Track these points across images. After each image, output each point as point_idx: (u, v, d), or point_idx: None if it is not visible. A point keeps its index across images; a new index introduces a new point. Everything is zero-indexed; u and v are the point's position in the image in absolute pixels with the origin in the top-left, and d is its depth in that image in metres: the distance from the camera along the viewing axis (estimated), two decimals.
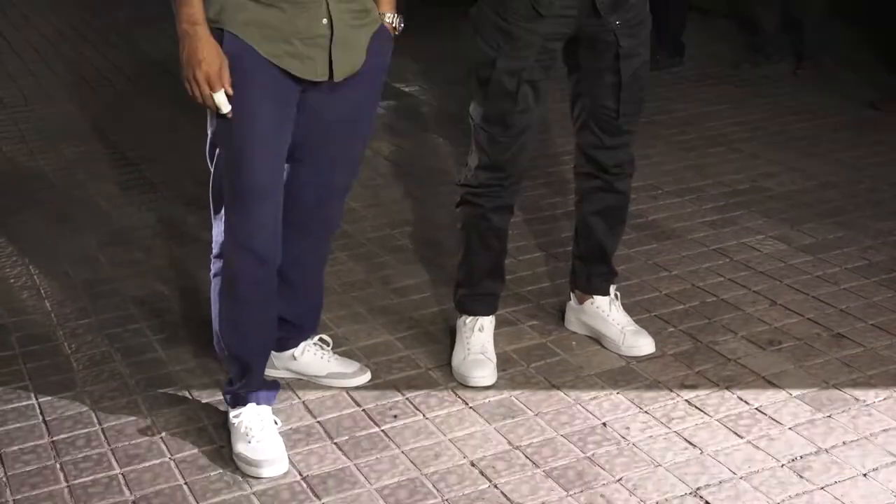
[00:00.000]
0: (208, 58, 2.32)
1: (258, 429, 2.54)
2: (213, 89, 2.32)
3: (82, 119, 5.46)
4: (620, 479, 2.41)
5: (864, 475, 2.39)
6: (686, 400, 2.73)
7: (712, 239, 3.77)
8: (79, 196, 4.41)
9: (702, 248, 3.69)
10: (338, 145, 2.60)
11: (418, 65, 5.98)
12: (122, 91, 5.95)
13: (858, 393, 2.73)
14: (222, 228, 2.49)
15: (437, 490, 2.39)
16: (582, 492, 2.37)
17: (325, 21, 2.41)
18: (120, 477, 2.47)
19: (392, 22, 2.60)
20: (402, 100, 5.57)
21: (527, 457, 2.51)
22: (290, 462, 2.50)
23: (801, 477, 2.39)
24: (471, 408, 2.73)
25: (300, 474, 2.47)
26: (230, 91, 2.34)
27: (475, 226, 2.90)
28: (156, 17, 6.53)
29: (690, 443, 2.54)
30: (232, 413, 2.60)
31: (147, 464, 2.52)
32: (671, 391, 2.77)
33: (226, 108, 2.35)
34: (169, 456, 2.55)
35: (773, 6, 6.12)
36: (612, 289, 3.08)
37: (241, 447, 2.52)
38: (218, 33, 2.35)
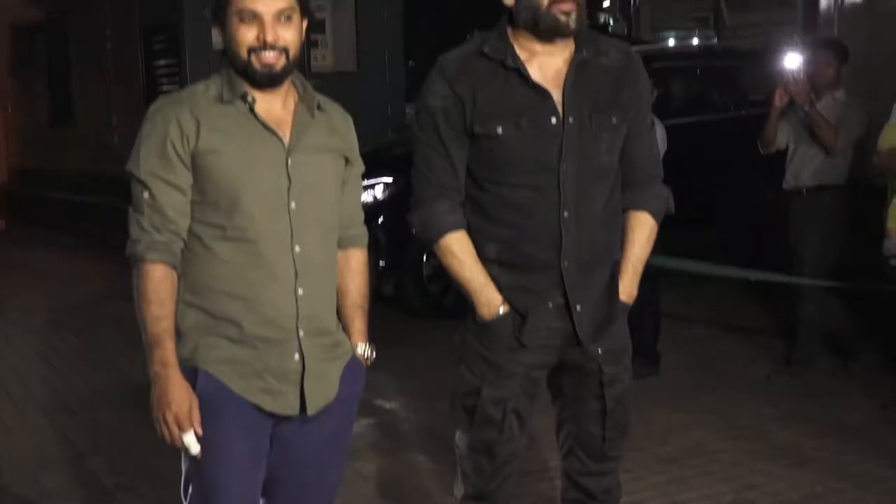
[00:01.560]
0: (178, 399, 2.36)
1: None
2: (182, 430, 2.35)
3: (60, 446, 5.39)
4: None
5: None
6: None
7: None
8: None
9: None
10: (311, 477, 2.59)
11: (394, 378, 6.01)
12: (101, 416, 5.91)
13: None
14: None
15: None
16: None
17: (296, 357, 2.48)
18: None
19: (364, 353, 2.67)
20: (381, 416, 5.56)
21: None
22: None
23: None
24: None
25: None
26: (199, 432, 2.36)
27: None
28: (139, 337, 6.58)
29: None
30: None
31: None
32: None
33: (195, 448, 2.36)
34: None
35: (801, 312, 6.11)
36: None
37: None
38: (191, 372, 2.40)
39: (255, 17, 2.42)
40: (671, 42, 19.62)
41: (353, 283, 2.71)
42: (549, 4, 2.59)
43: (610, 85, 2.72)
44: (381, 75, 10.56)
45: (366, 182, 7.50)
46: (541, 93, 2.64)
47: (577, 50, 2.69)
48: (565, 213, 2.65)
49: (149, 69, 10.16)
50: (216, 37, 2.52)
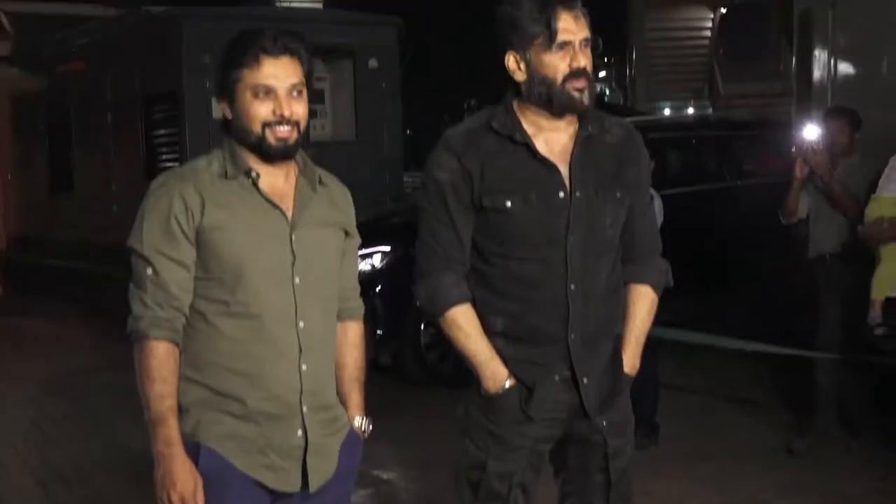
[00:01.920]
0: (183, 479, 2.35)
1: None
2: None
3: None
4: None
5: None
6: None
7: None
8: None
9: None
10: None
11: (392, 448, 5.96)
12: (98, 487, 5.85)
13: None
14: None
15: None
16: None
17: (300, 433, 2.47)
18: None
19: (361, 426, 2.66)
20: (379, 486, 5.50)
21: None
22: None
23: None
24: None
25: None
26: None
27: None
28: (137, 405, 6.54)
29: None
30: None
31: None
32: None
33: None
34: None
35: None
36: None
37: None
38: (193, 447, 2.39)
39: (269, 92, 2.45)
40: (667, 112, 19.84)
41: (351, 355, 2.71)
42: (564, 81, 2.62)
43: (614, 161, 2.75)
44: (379, 145, 10.64)
45: (363, 251, 7.62)
46: (549, 167, 2.67)
47: (582, 126, 2.72)
48: (572, 286, 2.67)
49: (149, 139, 10.23)
50: (216, 107, 2.55)
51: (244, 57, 2.47)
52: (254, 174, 2.49)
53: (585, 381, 2.70)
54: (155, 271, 2.43)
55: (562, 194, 2.66)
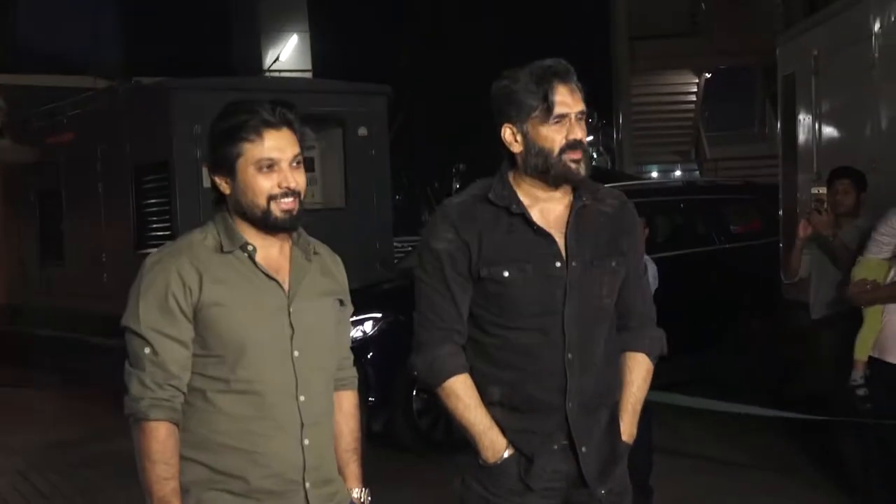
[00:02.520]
0: None
1: None
2: None
3: None
4: None
5: None
6: None
7: None
8: None
9: None
10: None
11: None
12: None
13: None
14: None
15: None
16: None
17: None
18: None
19: (360, 497, 2.65)
20: None
21: None
22: None
23: None
24: None
25: None
26: None
27: None
28: (127, 477, 6.47)
29: None
30: None
31: None
32: None
33: None
34: None
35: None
36: None
37: None
38: None
39: (272, 165, 2.44)
40: (654, 175, 19.99)
41: (348, 426, 2.69)
42: (560, 153, 2.66)
43: (609, 231, 2.78)
44: (368, 211, 10.67)
45: (355, 318, 7.58)
46: (545, 237, 2.70)
47: (577, 196, 2.75)
48: (569, 355, 2.68)
49: (139, 208, 10.24)
50: (206, 176, 2.55)
51: (245, 131, 2.45)
52: (250, 248, 2.47)
53: (584, 449, 2.69)
54: (153, 350, 2.39)
55: (558, 264, 2.69)
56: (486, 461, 2.70)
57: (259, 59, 21.75)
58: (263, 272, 2.48)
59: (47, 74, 15.74)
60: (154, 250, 2.54)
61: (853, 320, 5.53)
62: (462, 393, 2.70)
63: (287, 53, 21.68)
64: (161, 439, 2.36)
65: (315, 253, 2.60)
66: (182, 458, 2.40)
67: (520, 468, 2.68)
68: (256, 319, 2.44)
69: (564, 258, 2.69)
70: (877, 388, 5.09)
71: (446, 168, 31.82)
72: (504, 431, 2.70)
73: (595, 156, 37.34)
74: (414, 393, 7.44)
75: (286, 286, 2.50)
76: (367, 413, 7.34)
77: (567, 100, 2.66)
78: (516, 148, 2.71)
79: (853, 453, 5.81)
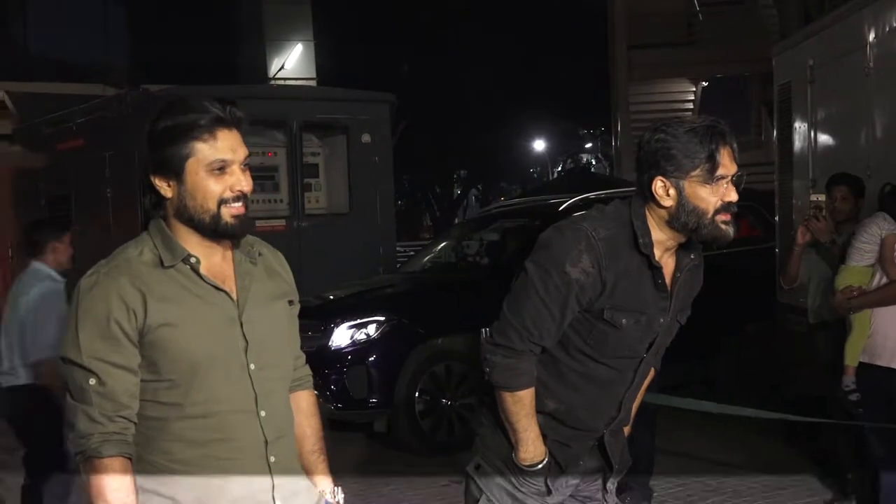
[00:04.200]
0: None
1: None
2: None
3: None
4: None
5: None
6: None
7: None
8: None
9: None
10: None
11: None
12: None
13: None
14: None
15: None
16: None
17: None
18: None
19: (334, 495, 2.51)
20: None
21: None
22: None
23: None
24: None
25: None
26: None
27: None
28: None
29: None
30: None
31: None
32: None
33: None
34: None
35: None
36: None
37: None
38: None
39: (224, 168, 2.25)
40: None
41: (310, 426, 2.53)
42: (714, 213, 2.61)
43: (691, 287, 2.85)
44: (372, 216, 10.66)
45: (358, 320, 7.61)
46: (664, 293, 2.72)
47: (685, 253, 2.76)
48: (627, 393, 2.83)
49: (148, 215, 10.23)
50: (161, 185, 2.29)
51: (197, 130, 2.23)
52: (193, 260, 2.27)
53: (616, 464, 2.90)
54: (99, 381, 2.16)
55: (662, 320, 2.76)
56: (522, 461, 2.75)
57: (264, 67, 21.74)
58: (210, 283, 2.27)
59: (57, 82, 15.74)
60: (88, 271, 2.29)
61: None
62: (528, 402, 2.73)
63: (292, 62, 21.67)
64: (117, 477, 2.15)
65: (259, 254, 2.41)
66: (143, 490, 2.20)
67: (552, 474, 2.78)
68: (207, 336, 2.23)
69: (668, 315, 2.77)
70: (868, 391, 5.08)
71: (447, 174, 31.83)
72: (545, 437, 2.77)
73: (594, 163, 37.34)
74: (416, 395, 7.43)
75: (234, 295, 2.30)
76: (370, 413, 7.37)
77: (728, 162, 2.61)
78: (667, 202, 2.63)
79: (846, 456, 5.80)
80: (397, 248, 11.48)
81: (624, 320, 2.66)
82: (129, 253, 2.29)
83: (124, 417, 2.19)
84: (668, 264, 2.72)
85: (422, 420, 7.45)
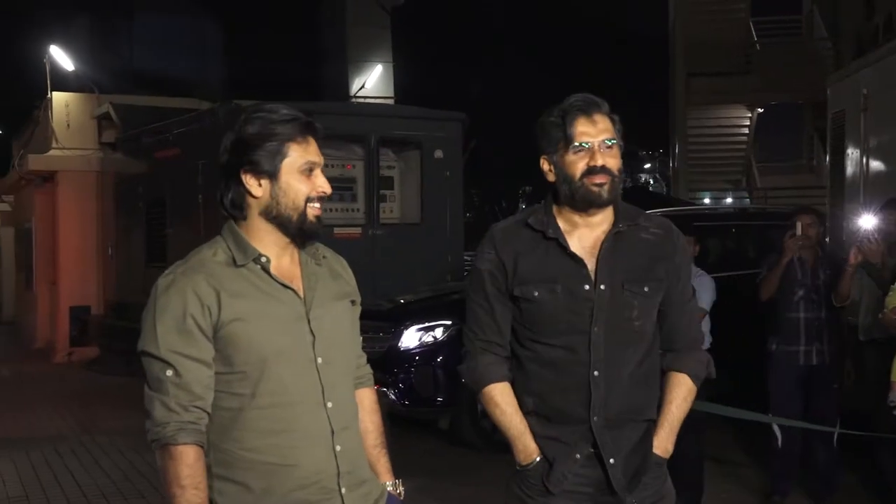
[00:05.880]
0: None
1: None
2: None
3: None
4: None
5: None
6: None
7: None
8: None
9: None
10: None
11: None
12: None
13: None
14: None
15: None
16: None
17: None
18: None
19: (396, 490, 2.53)
20: None
21: None
22: None
23: None
24: None
25: None
26: None
27: None
28: None
29: None
30: None
31: None
32: None
33: None
34: None
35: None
36: None
37: None
38: None
39: (312, 170, 2.30)
40: (706, 201, 19.71)
41: (373, 422, 2.53)
42: (582, 177, 2.65)
43: (646, 257, 2.72)
44: (442, 227, 10.69)
45: (426, 324, 7.62)
46: (576, 261, 2.67)
47: (615, 222, 2.72)
48: (595, 373, 2.64)
49: (227, 212, 10.35)
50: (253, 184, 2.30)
51: (292, 133, 2.28)
52: (263, 259, 2.29)
53: (612, 461, 2.64)
54: (176, 372, 2.19)
55: (586, 287, 2.65)
56: (519, 463, 2.70)
57: (346, 85, 21.94)
58: (279, 282, 2.29)
59: (157, 96, 16.04)
60: (165, 272, 2.32)
61: None
62: (499, 399, 2.71)
63: (372, 81, 21.83)
64: (190, 463, 2.16)
65: (323, 257, 2.43)
66: (215, 476, 2.22)
67: (543, 472, 2.67)
68: (277, 331, 2.25)
69: (593, 281, 2.65)
70: None
71: (513, 189, 31.81)
72: (536, 437, 2.69)
73: (651, 182, 37.02)
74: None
75: (302, 294, 2.32)
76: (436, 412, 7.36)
77: (588, 130, 2.66)
78: (551, 177, 2.72)
79: (892, 471, 5.65)
80: (464, 258, 11.48)
81: (536, 292, 2.65)
82: (203, 254, 2.33)
83: (199, 408, 2.21)
84: (588, 236, 2.70)
85: (483, 419, 7.42)
